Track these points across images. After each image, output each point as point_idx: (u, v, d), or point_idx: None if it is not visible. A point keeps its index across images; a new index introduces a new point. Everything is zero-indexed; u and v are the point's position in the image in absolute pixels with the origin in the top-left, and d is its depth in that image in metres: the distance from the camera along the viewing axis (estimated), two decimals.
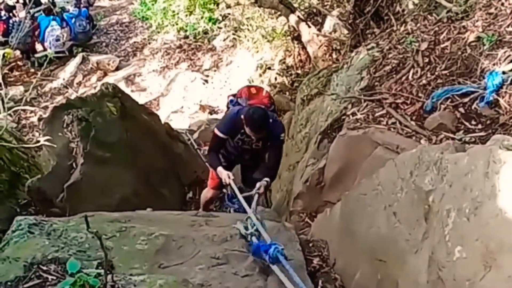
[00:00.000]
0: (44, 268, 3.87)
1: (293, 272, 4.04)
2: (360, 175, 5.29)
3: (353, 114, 5.95)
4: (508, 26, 5.56)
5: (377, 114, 5.74)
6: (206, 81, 16.08)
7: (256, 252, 4.51)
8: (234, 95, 6.80)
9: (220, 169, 6.11)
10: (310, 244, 5.07)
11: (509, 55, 5.22)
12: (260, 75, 14.04)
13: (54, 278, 3.76)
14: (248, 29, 15.08)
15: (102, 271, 3.32)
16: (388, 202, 3.86)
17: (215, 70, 16.50)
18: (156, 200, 8.01)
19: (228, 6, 12.87)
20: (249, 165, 6.73)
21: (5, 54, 5.25)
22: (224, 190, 7.12)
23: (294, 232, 5.28)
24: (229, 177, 5.96)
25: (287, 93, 12.12)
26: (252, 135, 6.01)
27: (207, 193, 7.21)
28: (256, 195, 5.71)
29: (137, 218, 5.33)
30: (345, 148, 5.79)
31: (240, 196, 5.64)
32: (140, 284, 3.72)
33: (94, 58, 17.97)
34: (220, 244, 4.82)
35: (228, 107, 6.76)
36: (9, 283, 3.75)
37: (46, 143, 4.27)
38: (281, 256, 4.27)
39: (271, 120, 5.98)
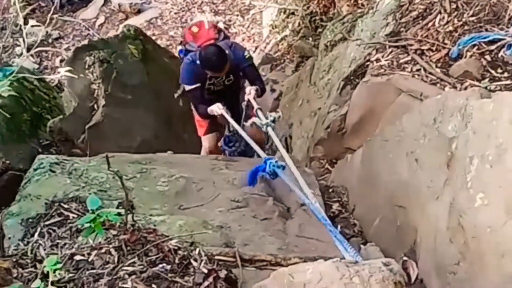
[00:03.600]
0: (65, 206, 3.93)
1: (293, 180, 4.02)
2: (383, 122, 5.24)
3: (377, 60, 5.85)
4: None
5: (401, 61, 5.64)
6: (229, 25, 15.93)
7: (254, 176, 4.56)
8: (181, 43, 6.50)
9: (209, 108, 5.84)
10: (330, 190, 5.08)
11: None
12: (283, 20, 13.86)
13: (75, 216, 3.81)
14: None
15: (122, 211, 3.35)
16: (410, 148, 3.83)
17: (237, 15, 16.31)
18: (177, 143, 8.03)
19: None
20: (233, 102, 6.32)
21: None
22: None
23: (314, 178, 5.29)
24: (219, 108, 5.73)
25: (310, 38, 11.93)
26: (218, 75, 5.83)
27: (204, 143, 6.69)
28: (251, 96, 5.65)
29: (158, 160, 5.37)
30: (368, 95, 5.71)
31: (237, 126, 5.53)
32: (160, 224, 3.77)
33: (116, 0, 17.83)
34: (240, 187, 4.84)
35: (181, 59, 6.35)
36: (30, 220, 3.81)
37: (68, 74, 4.24)
38: (278, 168, 4.26)
39: (227, 51, 5.76)
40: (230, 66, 5.79)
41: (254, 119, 5.58)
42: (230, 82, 6.04)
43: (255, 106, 5.57)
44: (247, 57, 6.03)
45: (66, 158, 4.81)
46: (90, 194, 4.07)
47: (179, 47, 6.52)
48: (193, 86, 5.89)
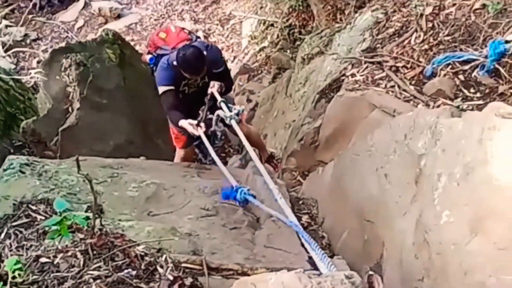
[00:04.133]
0: (33, 207, 3.89)
1: (264, 207, 4.24)
2: (355, 137, 5.29)
3: (353, 75, 5.92)
4: None
5: (376, 77, 5.70)
6: (208, 34, 15.94)
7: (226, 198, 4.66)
8: (149, 53, 6.31)
9: (181, 122, 5.65)
10: (300, 202, 5.10)
11: None
12: (263, 32, 13.91)
13: (43, 218, 3.77)
14: None
15: (90, 214, 3.33)
16: (380, 163, 3.86)
17: (217, 24, 16.34)
18: (151, 149, 8.02)
19: None
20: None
21: None
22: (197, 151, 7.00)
23: (285, 189, 5.30)
24: (193, 127, 5.55)
25: (288, 51, 12.01)
26: (195, 78, 5.77)
27: (179, 153, 6.59)
28: (215, 88, 5.70)
29: (130, 165, 5.36)
30: (342, 109, 5.76)
31: (212, 151, 5.45)
32: (128, 230, 3.75)
33: (96, 4, 17.77)
34: (210, 196, 4.85)
35: (152, 68, 6.25)
36: None
37: (39, 76, 4.24)
38: (250, 196, 4.47)
39: (204, 52, 5.67)
40: (206, 68, 5.75)
41: (218, 111, 5.63)
42: (206, 83, 5.94)
43: (219, 98, 5.63)
44: (223, 59, 6.10)
45: (36, 160, 4.77)
46: (59, 196, 4.05)
47: (148, 56, 6.30)
48: (168, 88, 5.76)
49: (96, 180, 4.56)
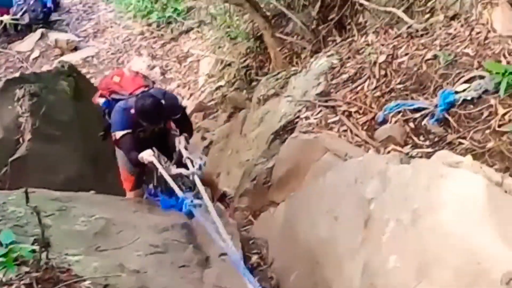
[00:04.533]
0: None
1: (207, 224, 4.21)
2: (307, 179, 5.33)
3: (307, 118, 6.00)
4: (465, 48, 5.67)
5: (329, 120, 5.79)
6: (166, 71, 15.96)
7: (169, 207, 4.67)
8: (102, 96, 6.17)
9: (140, 155, 5.64)
10: (251, 242, 5.10)
11: (463, 76, 5.32)
12: (220, 71, 13.99)
13: None
14: (212, 24, 15.03)
15: (37, 247, 3.28)
16: (331, 206, 3.91)
17: (174, 61, 16.38)
18: (102, 183, 7.90)
19: None
20: (161, 146, 6.05)
21: None
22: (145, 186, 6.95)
23: (235, 229, 5.30)
24: (149, 155, 5.58)
25: (244, 91, 12.07)
26: (153, 127, 5.74)
27: (129, 196, 6.48)
28: (182, 145, 5.65)
29: (79, 199, 5.29)
30: (295, 151, 5.82)
31: (165, 173, 5.45)
32: (74, 264, 3.70)
33: (53, 36, 17.64)
34: (160, 232, 4.82)
35: (104, 112, 6.17)
36: None
37: None
38: (194, 208, 4.56)
39: (162, 101, 5.64)
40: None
41: (180, 170, 5.56)
42: (160, 129, 5.94)
43: (185, 155, 5.57)
44: (182, 106, 6.03)
45: None
46: (6, 228, 3.98)
47: (100, 100, 6.17)
48: (125, 132, 5.70)
49: (45, 212, 4.48)
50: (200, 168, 5.37)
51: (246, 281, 3.26)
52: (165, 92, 6.08)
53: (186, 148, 5.72)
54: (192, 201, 4.58)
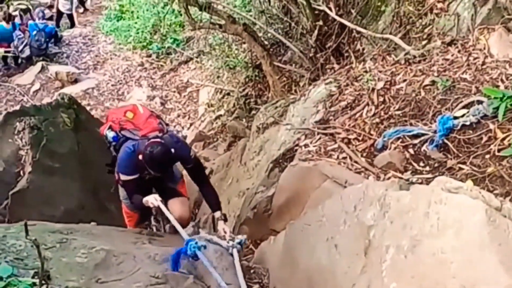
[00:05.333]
0: None
1: (209, 266, 4.32)
2: (307, 207, 5.33)
3: (306, 145, 6.01)
4: (462, 73, 5.71)
5: (329, 148, 5.80)
6: (165, 101, 16.03)
7: (177, 260, 4.67)
8: (111, 128, 6.04)
9: (145, 199, 5.63)
10: (252, 271, 5.07)
11: (461, 101, 5.35)
12: (219, 100, 14.08)
13: None
14: (211, 53, 15.13)
15: (37, 281, 3.27)
16: (330, 234, 3.90)
17: (174, 91, 16.45)
18: (102, 215, 7.92)
19: (193, 29, 12.89)
20: (164, 186, 6.18)
21: None
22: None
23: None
24: (156, 199, 5.57)
25: (244, 120, 12.15)
26: (158, 174, 5.68)
27: None
28: (227, 234, 5.41)
29: (79, 230, 5.27)
30: (295, 179, 5.83)
31: (171, 217, 5.45)
32: None
33: (53, 68, 17.74)
34: (161, 263, 4.79)
35: (111, 144, 6.06)
36: None
37: None
38: (199, 250, 4.51)
39: (172, 150, 5.53)
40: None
41: (220, 241, 5.32)
42: (166, 172, 5.88)
43: (228, 236, 5.37)
44: (192, 157, 5.86)
45: None
46: (6, 262, 3.96)
47: (109, 133, 6.03)
48: (131, 177, 5.68)
49: (45, 245, 4.48)
50: (240, 243, 5.23)
51: None
52: (178, 141, 5.95)
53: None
54: (196, 243, 4.56)
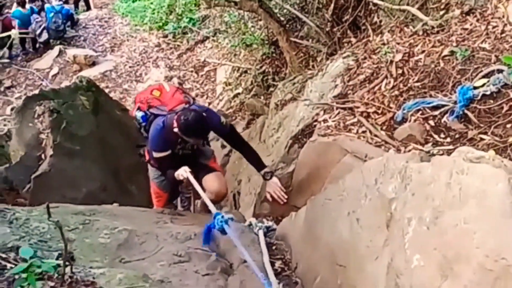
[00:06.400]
0: (3, 255, 3.83)
1: (237, 241, 4.25)
2: (327, 181, 5.31)
3: (325, 120, 5.97)
4: (481, 42, 5.62)
5: (348, 122, 5.76)
6: (183, 81, 16.04)
7: (208, 234, 4.75)
8: (139, 109, 6.12)
9: (176, 173, 5.71)
10: (273, 247, 5.07)
11: (481, 71, 5.27)
12: (237, 78, 14.06)
13: (13, 266, 3.72)
14: (227, 32, 15.09)
15: (61, 262, 3.30)
16: (351, 208, 3.87)
17: (191, 71, 16.46)
18: (124, 196, 7.98)
19: (209, 7, 12.85)
20: (196, 163, 6.16)
21: None
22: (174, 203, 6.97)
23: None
24: (185, 171, 5.62)
25: (262, 97, 12.13)
26: (196, 142, 5.74)
27: None
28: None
29: (102, 212, 5.32)
30: (314, 154, 5.80)
31: (200, 190, 5.51)
32: (99, 277, 3.71)
33: (71, 52, 17.84)
34: (183, 242, 4.82)
35: (140, 124, 6.14)
36: None
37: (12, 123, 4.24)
38: (226, 224, 4.51)
39: (199, 109, 5.66)
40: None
41: (252, 219, 5.60)
42: (198, 146, 5.99)
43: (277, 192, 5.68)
44: (224, 123, 5.92)
45: (7, 207, 4.72)
46: (30, 244, 4.00)
47: (138, 113, 6.09)
48: (163, 154, 5.76)
49: (68, 227, 4.52)
50: (268, 228, 5.38)
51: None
52: (207, 109, 6.01)
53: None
54: (223, 217, 4.56)
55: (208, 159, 6.26)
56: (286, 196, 5.86)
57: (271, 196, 5.74)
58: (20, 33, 17.82)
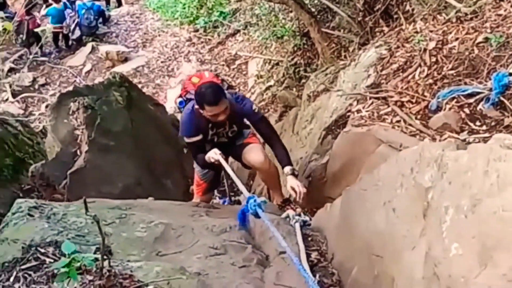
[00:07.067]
0: (42, 250, 3.89)
1: (270, 223, 4.14)
2: (362, 172, 5.28)
3: (358, 111, 5.94)
4: None
5: (382, 112, 5.73)
6: (217, 75, 16.09)
7: (243, 217, 4.71)
8: (180, 96, 6.19)
9: (206, 156, 5.65)
10: (309, 238, 5.07)
11: None
12: (268, 71, 14.03)
13: (52, 260, 3.77)
14: (258, 24, 15.08)
15: (99, 256, 3.33)
16: (387, 198, 3.85)
17: (223, 65, 16.49)
18: (159, 190, 8.04)
19: (239, 0, 12.84)
20: (234, 153, 6.26)
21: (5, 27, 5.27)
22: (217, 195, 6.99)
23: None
24: (216, 153, 5.58)
25: (294, 89, 12.08)
26: (216, 111, 5.45)
27: (196, 200, 6.58)
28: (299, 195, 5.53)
29: (138, 206, 5.36)
30: (348, 145, 5.78)
31: (231, 173, 5.45)
32: (136, 270, 3.74)
33: (103, 48, 18.01)
34: (219, 234, 4.84)
35: (180, 111, 6.20)
36: (6, 264, 3.77)
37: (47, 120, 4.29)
38: (260, 209, 4.40)
39: (230, 95, 5.62)
40: (233, 114, 5.65)
41: (289, 211, 5.68)
42: (234, 134, 5.95)
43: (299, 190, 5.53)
44: (256, 110, 5.89)
45: (45, 203, 4.78)
46: (68, 239, 4.05)
47: (178, 100, 6.18)
48: (195, 139, 5.75)
49: (105, 221, 4.57)
50: (304, 222, 5.37)
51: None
52: (238, 97, 5.92)
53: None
54: (255, 201, 4.53)
55: (244, 138, 6.16)
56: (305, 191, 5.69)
57: (293, 189, 5.59)
58: (55, 28, 18.05)
